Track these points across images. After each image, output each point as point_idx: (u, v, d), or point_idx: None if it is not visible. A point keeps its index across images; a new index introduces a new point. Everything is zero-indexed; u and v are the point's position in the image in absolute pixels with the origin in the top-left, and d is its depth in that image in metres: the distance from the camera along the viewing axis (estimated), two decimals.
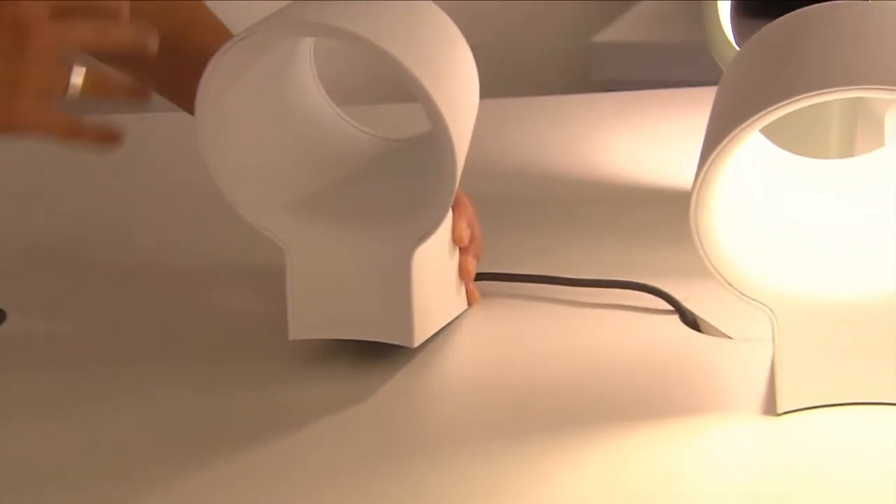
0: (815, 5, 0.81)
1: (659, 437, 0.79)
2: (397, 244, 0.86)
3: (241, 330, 0.95)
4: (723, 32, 1.01)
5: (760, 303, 0.79)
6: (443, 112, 0.82)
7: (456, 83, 0.88)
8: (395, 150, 0.95)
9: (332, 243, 0.88)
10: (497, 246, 1.00)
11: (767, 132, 0.81)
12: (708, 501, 0.74)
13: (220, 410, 0.85)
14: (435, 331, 0.90)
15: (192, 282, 1.02)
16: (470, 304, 0.96)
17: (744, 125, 0.73)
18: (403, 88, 0.84)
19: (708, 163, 0.75)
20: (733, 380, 0.85)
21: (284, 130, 0.91)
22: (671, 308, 0.93)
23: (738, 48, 0.98)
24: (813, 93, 0.72)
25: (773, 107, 0.73)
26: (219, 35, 0.99)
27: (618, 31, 2.33)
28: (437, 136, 0.83)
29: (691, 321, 0.92)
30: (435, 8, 0.90)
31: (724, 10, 1.01)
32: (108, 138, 0.85)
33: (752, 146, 0.80)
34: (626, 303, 0.94)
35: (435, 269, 0.90)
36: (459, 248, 0.94)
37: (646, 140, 1.23)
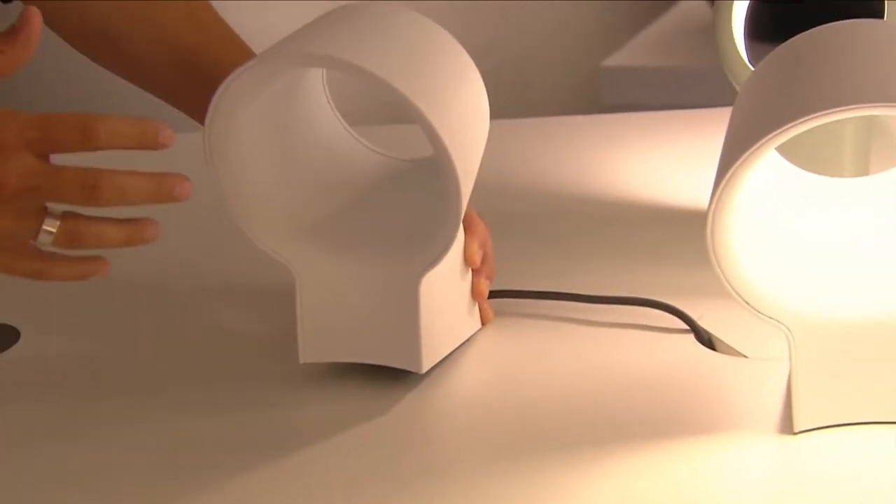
0: (829, 24, 0.81)
1: (674, 457, 0.79)
2: (405, 270, 0.86)
3: (252, 349, 0.95)
4: (738, 53, 1.01)
5: (777, 321, 0.78)
6: (448, 147, 0.82)
7: (462, 113, 0.87)
8: (407, 170, 0.95)
9: (340, 268, 0.88)
10: (511, 265, 1.00)
11: (783, 150, 0.81)
12: None
13: (228, 431, 0.85)
14: (445, 354, 0.90)
15: (203, 301, 1.02)
16: (484, 323, 0.96)
17: (760, 143, 0.73)
18: None
19: (724, 181, 0.75)
20: (749, 399, 0.85)
21: (295, 152, 0.91)
22: (686, 327, 0.93)
23: (752, 69, 0.98)
24: (828, 111, 0.73)
25: (789, 125, 0.73)
26: (236, 52, 0.99)
27: (627, 55, 2.34)
28: (441, 170, 0.83)
29: (706, 340, 0.92)
30: (444, 34, 0.90)
31: (739, 30, 1.02)
32: (89, 273, 0.84)
33: (768, 165, 0.80)
34: (640, 322, 0.94)
35: (445, 292, 0.90)
36: (472, 269, 0.94)
37: (659, 160, 1.23)
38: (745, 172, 0.75)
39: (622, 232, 1.09)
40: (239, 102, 0.84)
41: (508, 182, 1.20)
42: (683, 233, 1.01)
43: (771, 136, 0.73)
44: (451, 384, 0.89)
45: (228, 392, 0.89)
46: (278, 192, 0.89)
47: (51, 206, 0.81)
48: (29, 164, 0.79)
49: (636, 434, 0.81)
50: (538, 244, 1.08)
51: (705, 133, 1.09)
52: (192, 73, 0.97)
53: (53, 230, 0.80)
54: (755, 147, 0.74)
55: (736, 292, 0.78)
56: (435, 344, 0.89)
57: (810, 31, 0.81)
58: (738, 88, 0.97)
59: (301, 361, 0.88)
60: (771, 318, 0.79)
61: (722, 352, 0.90)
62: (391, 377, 0.88)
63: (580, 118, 1.45)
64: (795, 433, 0.80)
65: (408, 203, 0.91)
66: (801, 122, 0.73)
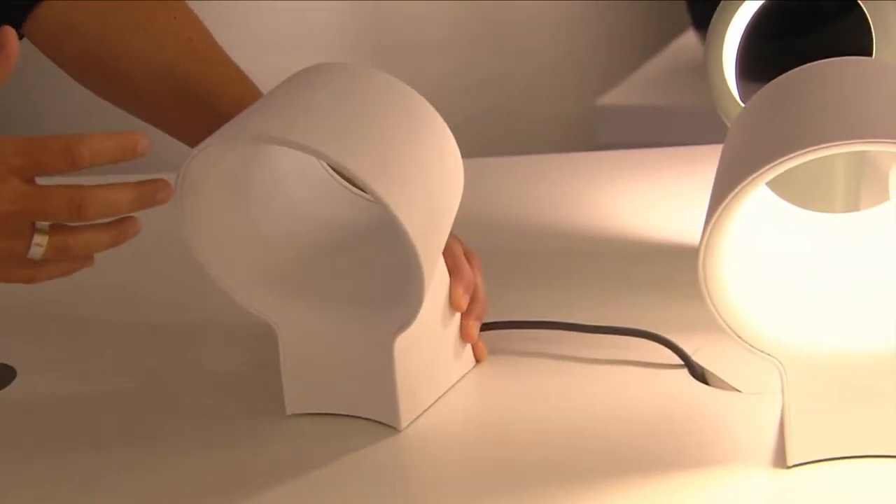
0: (818, 62, 0.81)
1: (669, 491, 0.79)
2: (379, 330, 0.87)
3: (244, 386, 0.95)
4: (728, 91, 1.02)
5: (769, 355, 0.79)
6: (410, 232, 0.82)
7: (425, 181, 0.87)
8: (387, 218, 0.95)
9: (317, 324, 0.89)
10: (506, 300, 1.00)
11: (774, 186, 0.82)
12: None
13: (217, 467, 0.86)
14: (428, 405, 0.90)
15: (192, 339, 1.02)
16: (478, 361, 0.96)
17: (750, 178, 0.74)
18: None
19: (715, 216, 0.75)
20: (743, 433, 0.85)
21: (271, 204, 0.91)
22: (680, 362, 0.93)
23: (742, 105, 0.99)
24: (817, 146, 0.73)
25: (779, 160, 0.74)
26: (235, 83, 0.99)
27: (621, 94, 2.35)
28: (403, 249, 0.83)
29: (700, 375, 0.92)
30: (413, 95, 0.89)
31: (729, 69, 1.03)
32: (76, 270, 0.86)
33: (759, 200, 0.81)
34: (634, 358, 0.94)
35: (427, 343, 0.90)
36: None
37: (654, 196, 1.24)
38: (736, 208, 0.75)
39: (618, 267, 1.10)
40: (203, 172, 0.85)
41: (504, 218, 1.21)
42: (677, 268, 1.01)
43: (761, 171, 0.74)
44: (441, 421, 0.89)
45: (217, 427, 0.90)
46: (249, 251, 0.90)
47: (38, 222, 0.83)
48: (16, 188, 0.81)
49: (630, 468, 0.82)
50: (533, 280, 1.09)
51: (698, 170, 1.09)
52: (191, 105, 0.98)
53: (43, 245, 0.83)
54: (745, 183, 0.74)
55: (728, 326, 0.79)
56: (415, 399, 0.89)
57: (799, 68, 0.81)
58: (729, 125, 0.98)
59: (288, 413, 0.90)
60: (763, 352, 0.79)
61: (715, 386, 0.91)
62: None
63: (576, 155, 1.46)
64: (789, 467, 0.80)
65: (384, 258, 0.91)
66: (791, 158, 0.73)
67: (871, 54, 1.00)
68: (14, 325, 1.07)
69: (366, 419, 0.89)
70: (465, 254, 0.94)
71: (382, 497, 0.82)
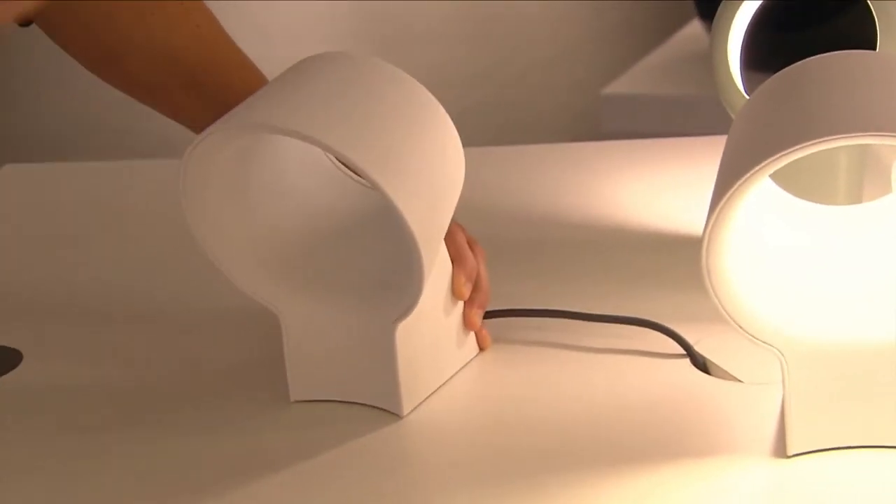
0: (823, 54, 0.82)
1: (669, 480, 0.80)
2: (380, 317, 0.87)
3: (247, 372, 0.95)
4: (733, 82, 1.02)
5: (770, 345, 0.79)
6: (409, 221, 0.82)
7: (426, 171, 0.87)
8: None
9: (320, 312, 0.90)
10: (509, 289, 1.00)
11: (777, 178, 0.82)
12: None
13: (220, 451, 0.86)
14: (430, 392, 0.91)
15: (196, 327, 1.03)
16: (481, 349, 0.96)
17: (753, 171, 0.74)
18: None
19: (719, 207, 0.76)
20: (743, 423, 0.86)
21: (274, 191, 0.92)
22: (682, 352, 0.93)
23: (747, 97, 1.00)
24: (821, 139, 0.73)
25: (783, 153, 0.74)
26: (242, 70, 1.00)
27: (626, 84, 2.36)
28: (403, 238, 0.83)
29: (701, 365, 0.92)
30: (416, 86, 0.89)
31: (734, 60, 1.03)
32: None
33: (762, 191, 0.81)
34: (637, 347, 0.95)
35: (429, 330, 0.90)
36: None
37: (658, 186, 1.24)
38: (740, 199, 0.75)
39: (621, 257, 1.10)
40: (207, 159, 0.85)
41: (509, 207, 1.21)
42: (680, 258, 1.01)
43: (765, 163, 0.74)
44: (444, 408, 0.90)
45: (221, 413, 0.90)
46: (252, 238, 0.90)
47: None
48: None
49: (631, 458, 0.82)
50: (537, 269, 1.09)
51: (702, 160, 1.09)
52: (199, 92, 0.98)
53: None
54: (749, 175, 0.75)
55: (730, 316, 0.79)
56: (417, 386, 0.89)
57: (804, 61, 0.82)
58: (733, 117, 0.99)
59: (292, 399, 0.91)
60: (765, 342, 0.79)
61: (717, 376, 0.91)
62: None
63: (580, 145, 1.46)
64: (789, 456, 0.80)
65: (386, 246, 0.91)
66: (795, 150, 0.74)
67: (875, 47, 1.00)
68: (20, 309, 1.08)
69: (368, 406, 0.90)
70: (468, 242, 0.95)
71: (384, 483, 0.82)
